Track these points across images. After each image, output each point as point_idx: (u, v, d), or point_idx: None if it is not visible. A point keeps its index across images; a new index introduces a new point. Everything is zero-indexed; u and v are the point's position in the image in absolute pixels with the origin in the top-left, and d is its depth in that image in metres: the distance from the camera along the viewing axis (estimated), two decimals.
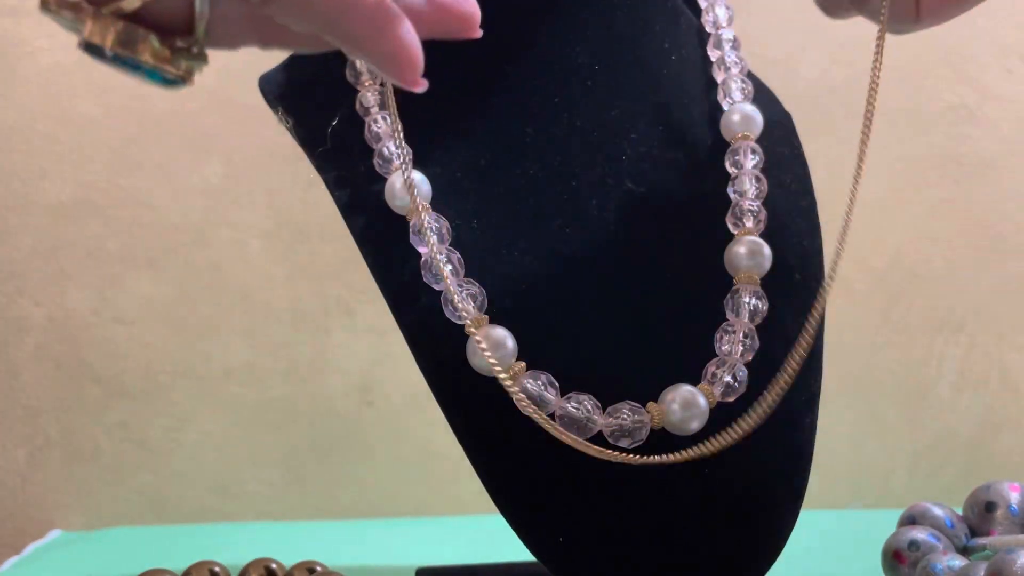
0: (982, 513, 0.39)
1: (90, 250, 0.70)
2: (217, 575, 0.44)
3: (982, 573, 0.31)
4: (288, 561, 0.46)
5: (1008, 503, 0.38)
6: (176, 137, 0.70)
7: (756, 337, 0.37)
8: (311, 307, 0.71)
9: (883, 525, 0.40)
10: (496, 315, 0.36)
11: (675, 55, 0.41)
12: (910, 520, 0.39)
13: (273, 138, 0.70)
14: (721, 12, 0.42)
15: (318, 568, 0.44)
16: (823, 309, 0.39)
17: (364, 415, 0.71)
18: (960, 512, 0.40)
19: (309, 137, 0.40)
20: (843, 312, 0.72)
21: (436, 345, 0.36)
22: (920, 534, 0.37)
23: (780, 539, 0.37)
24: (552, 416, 0.35)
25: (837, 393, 0.73)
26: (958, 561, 0.34)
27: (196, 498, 0.71)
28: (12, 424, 0.70)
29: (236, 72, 0.70)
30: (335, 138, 0.40)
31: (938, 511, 0.38)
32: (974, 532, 0.39)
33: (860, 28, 0.72)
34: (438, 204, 0.38)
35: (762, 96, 0.42)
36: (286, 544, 0.58)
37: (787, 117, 0.43)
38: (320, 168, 0.40)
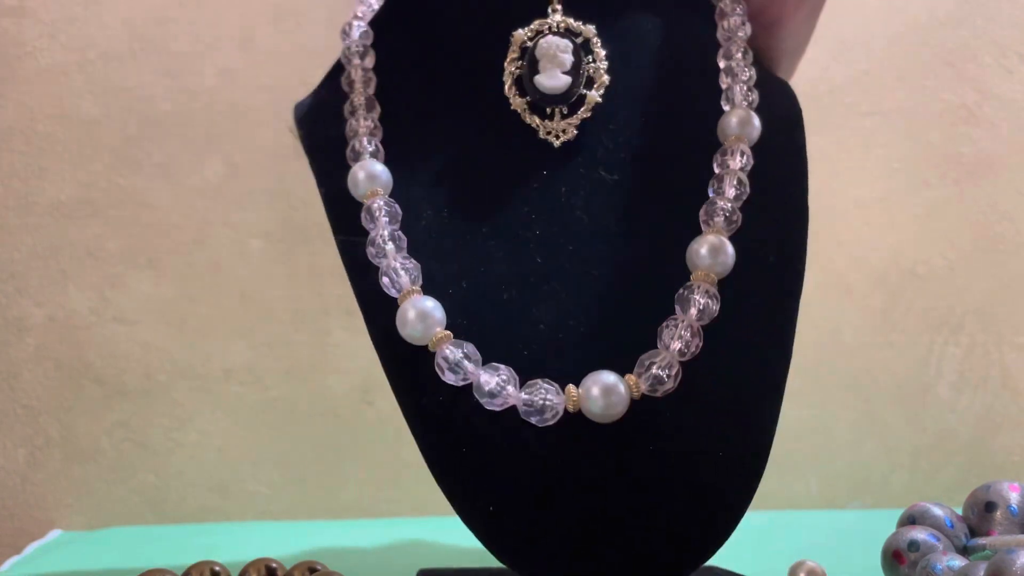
0: (982, 513, 0.39)
1: (90, 250, 0.70)
2: (217, 575, 0.44)
3: (982, 573, 0.31)
4: (288, 561, 0.46)
5: (1008, 503, 0.38)
6: (176, 137, 0.70)
7: (701, 336, 0.37)
8: (311, 307, 0.71)
9: (883, 525, 0.40)
10: (449, 296, 0.38)
11: (674, 60, 0.42)
12: (910, 520, 0.39)
13: (273, 138, 0.70)
14: (736, 22, 0.42)
15: (318, 568, 0.44)
16: (797, 299, 0.39)
17: (364, 415, 0.71)
18: (960, 512, 0.40)
19: (311, 147, 0.43)
20: (843, 312, 0.72)
21: (379, 319, 0.38)
22: (920, 534, 0.37)
23: (730, 521, 0.37)
24: (469, 385, 0.36)
25: (837, 393, 0.73)
26: (958, 561, 0.34)
27: (196, 498, 0.71)
28: (12, 424, 0.70)
29: (236, 72, 0.70)
30: (325, 141, 0.42)
31: (938, 511, 0.38)
32: (974, 532, 0.39)
33: (860, 28, 0.72)
34: (410, 195, 0.40)
35: (776, 92, 0.43)
36: (286, 544, 0.58)
37: (796, 112, 0.43)
38: (314, 171, 0.42)
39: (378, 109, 0.42)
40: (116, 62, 0.69)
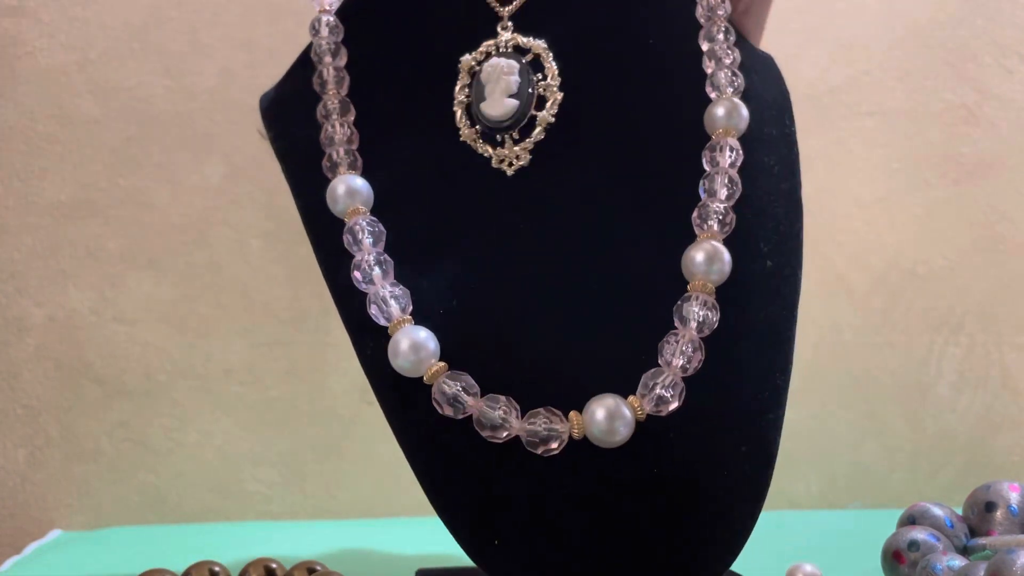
0: (982, 513, 0.39)
1: (90, 250, 0.70)
2: (217, 575, 0.44)
3: (982, 573, 0.31)
4: (288, 561, 0.46)
5: (1008, 503, 0.38)
6: (176, 137, 0.70)
7: (703, 349, 0.35)
8: (311, 307, 0.71)
9: (883, 525, 0.40)
10: (430, 318, 0.36)
11: (658, 46, 0.40)
12: (910, 520, 0.39)
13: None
14: (715, 2, 0.40)
15: (318, 568, 0.44)
16: (795, 303, 0.38)
17: (364, 415, 0.71)
18: (960, 512, 0.40)
19: (283, 149, 0.41)
20: (843, 312, 0.72)
21: (372, 346, 0.37)
22: (920, 534, 0.37)
23: (737, 540, 0.36)
24: (470, 419, 0.35)
25: (837, 393, 0.73)
26: (958, 561, 0.34)
27: (196, 498, 0.71)
28: (12, 424, 0.70)
29: (236, 72, 0.70)
30: (297, 145, 0.41)
31: (938, 511, 0.38)
32: (974, 532, 0.39)
33: (860, 29, 0.72)
34: (390, 208, 0.39)
35: (762, 73, 0.41)
36: (286, 544, 0.58)
37: (783, 96, 0.41)
38: (287, 177, 0.41)
39: (353, 112, 0.41)
40: (116, 62, 0.69)
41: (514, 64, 0.38)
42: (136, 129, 0.70)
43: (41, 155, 0.70)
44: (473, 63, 0.39)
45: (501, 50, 0.39)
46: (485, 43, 0.39)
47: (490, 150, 0.39)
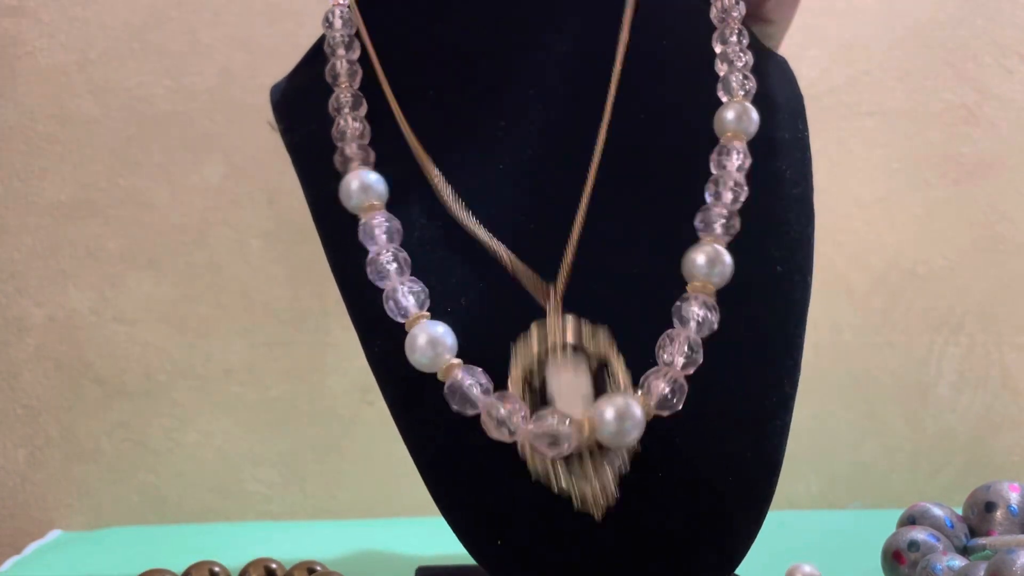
0: (982, 513, 0.39)
1: (90, 250, 0.70)
2: (217, 575, 0.44)
3: (982, 573, 0.31)
4: (288, 561, 0.46)
5: (1008, 503, 0.38)
6: (176, 137, 0.70)
7: (701, 350, 0.35)
8: (311, 307, 0.71)
9: (883, 525, 0.40)
10: (448, 314, 0.36)
11: (670, 47, 0.40)
12: (910, 520, 0.39)
13: (273, 138, 0.69)
14: (729, 3, 0.40)
15: (318, 568, 0.44)
16: (805, 309, 0.37)
17: (364, 415, 0.71)
18: (960, 512, 0.40)
19: (294, 142, 0.41)
20: (843, 312, 0.72)
21: (381, 343, 0.36)
22: (920, 534, 0.37)
23: (741, 545, 0.35)
24: (477, 417, 0.34)
25: (837, 393, 0.73)
26: (958, 561, 0.34)
27: (196, 498, 0.71)
28: (12, 424, 0.70)
29: (236, 72, 0.70)
30: (308, 139, 0.40)
31: (938, 511, 0.38)
32: (974, 532, 0.39)
33: (860, 29, 0.72)
34: (404, 203, 0.38)
35: (776, 76, 0.41)
36: (286, 544, 0.58)
37: (797, 99, 0.41)
38: (298, 171, 0.41)
39: (365, 106, 0.40)
40: (116, 62, 0.69)
41: (584, 379, 0.35)
42: (136, 129, 0.70)
43: (41, 155, 0.70)
44: (528, 370, 0.35)
45: (562, 344, 0.35)
46: (538, 332, 0.36)
47: (575, 496, 0.35)
